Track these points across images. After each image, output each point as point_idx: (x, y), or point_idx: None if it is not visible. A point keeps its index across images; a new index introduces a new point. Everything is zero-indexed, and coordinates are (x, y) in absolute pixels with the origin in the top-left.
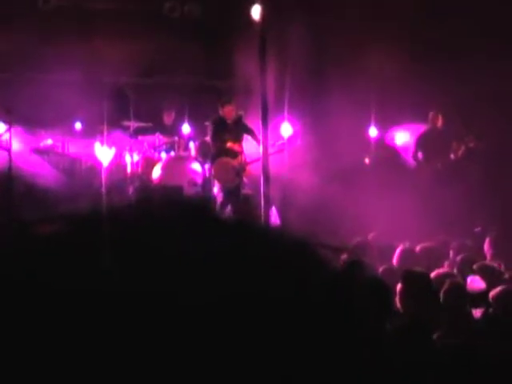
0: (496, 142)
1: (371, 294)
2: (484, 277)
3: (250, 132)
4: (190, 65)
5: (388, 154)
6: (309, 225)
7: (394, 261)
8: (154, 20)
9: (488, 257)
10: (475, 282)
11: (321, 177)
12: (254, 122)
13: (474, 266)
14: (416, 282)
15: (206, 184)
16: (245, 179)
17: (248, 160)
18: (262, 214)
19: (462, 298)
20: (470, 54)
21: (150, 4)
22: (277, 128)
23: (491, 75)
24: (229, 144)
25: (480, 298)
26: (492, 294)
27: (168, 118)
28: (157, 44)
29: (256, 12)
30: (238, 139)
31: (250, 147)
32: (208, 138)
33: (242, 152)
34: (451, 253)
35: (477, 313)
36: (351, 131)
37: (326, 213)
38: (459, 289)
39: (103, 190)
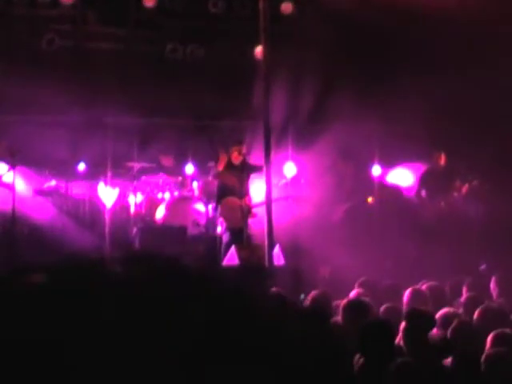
0: (499, 181)
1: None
2: (488, 317)
3: (256, 169)
4: (193, 106)
5: (391, 193)
6: (313, 265)
7: (404, 300)
8: (157, 61)
9: (494, 295)
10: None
11: (324, 217)
12: (257, 161)
13: (480, 308)
14: (420, 320)
15: (210, 224)
16: (250, 220)
17: (254, 202)
18: (266, 254)
19: (469, 337)
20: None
21: (152, 45)
22: (280, 167)
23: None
24: (235, 184)
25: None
26: (491, 336)
27: (166, 161)
28: (159, 85)
29: (259, 52)
30: (244, 180)
31: (256, 189)
32: (212, 178)
33: (247, 193)
34: (464, 289)
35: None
36: (354, 171)
37: (329, 253)
38: (466, 328)
39: (106, 231)
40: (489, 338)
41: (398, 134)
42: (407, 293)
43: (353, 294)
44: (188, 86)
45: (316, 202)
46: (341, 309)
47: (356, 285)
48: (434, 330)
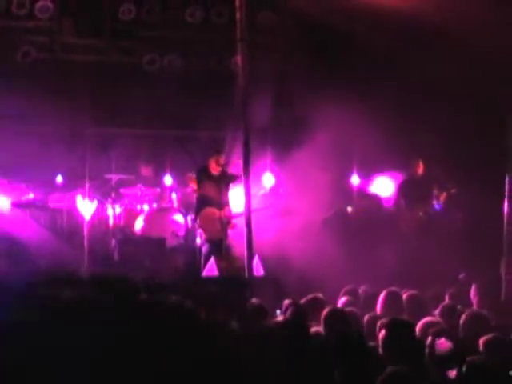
0: (478, 189)
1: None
2: (473, 324)
3: (235, 179)
4: (171, 116)
5: (370, 202)
6: (293, 275)
7: (378, 307)
8: (135, 72)
9: (474, 304)
10: (441, 344)
11: (304, 227)
12: (236, 171)
13: (463, 315)
14: (400, 330)
15: (189, 235)
16: (229, 231)
17: (233, 212)
18: (246, 264)
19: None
20: (447, 100)
21: (130, 56)
22: (259, 178)
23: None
24: (214, 195)
25: (451, 358)
26: (482, 341)
27: (146, 171)
28: (138, 96)
29: (237, 62)
30: (223, 190)
31: (235, 200)
32: (190, 189)
33: (226, 204)
34: (445, 299)
35: (452, 373)
36: (333, 179)
37: (309, 263)
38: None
39: (85, 244)
40: (481, 343)
41: (377, 143)
42: (382, 296)
43: (341, 302)
44: (166, 96)
45: (295, 212)
46: (322, 319)
47: (342, 292)
48: (442, 340)
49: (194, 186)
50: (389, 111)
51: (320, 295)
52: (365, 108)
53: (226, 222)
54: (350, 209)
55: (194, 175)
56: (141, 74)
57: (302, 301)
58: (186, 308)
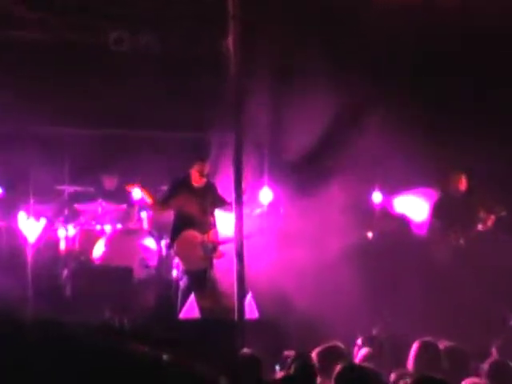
0: None
1: None
2: None
3: (220, 202)
4: (144, 113)
5: (395, 225)
6: (295, 319)
7: (410, 362)
8: (97, 55)
9: None
10: None
11: (309, 257)
12: (225, 186)
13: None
14: None
15: (163, 266)
16: (215, 261)
17: (220, 237)
18: (236, 304)
19: None
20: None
21: (91, 35)
22: (254, 194)
23: None
24: (196, 213)
25: None
26: None
27: (108, 182)
28: (100, 86)
29: (229, 45)
30: (208, 208)
31: (224, 220)
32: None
33: (213, 225)
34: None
35: None
36: (350, 198)
37: (316, 303)
38: None
39: (29, 274)
40: None
41: (405, 151)
42: (414, 348)
43: (360, 355)
44: (138, 86)
45: (299, 239)
46: (333, 378)
47: (360, 342)
48: None
49: (149, 200)
50: (419, 112)
51: (339, 344)
52: (388, 106)
53: (210, 249)
54: (369, 234)
55: (173, 186)
56: (105, 58)
57: (315, 352)
58: (159, 361)
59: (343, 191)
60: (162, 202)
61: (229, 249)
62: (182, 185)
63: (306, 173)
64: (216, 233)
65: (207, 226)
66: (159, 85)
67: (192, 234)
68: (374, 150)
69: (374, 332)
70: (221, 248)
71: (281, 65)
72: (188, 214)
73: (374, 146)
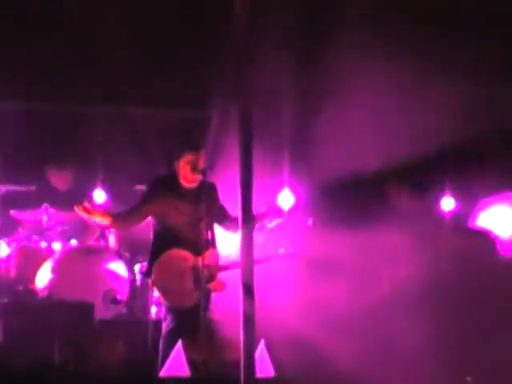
0: None
1: None
2: None
3: (221, 214)
4: (113, 80)
5: (477, 245)
6: (328, 380)
7: None
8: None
9: None
10: None
11: (352, 293)
12: (227, 189)
13: None
14: None
15: (136, 300)
16: (212, 294)
17: (222, 260)
18: (242, 357)
19: None
20: None
21: None
22: (270, 196)
23: None
24: (186, 226)
25: None
26: None
27: (59, 180)
28: (59, 43)
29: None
30: (204, 218)
31: (226, 236)
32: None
33: (210, 244)
34: None
35: None
36: (409, 206)
37: (360, 359)
38: None
39: None
40: None
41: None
42: None
43: None
44: (101, 41)
45: (336, 265)
46: None
47: None
48: None
49: (103, 220)
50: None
51: None
52: (465, 80)
53: (206, 278)
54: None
55: (151, 186)
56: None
57: None
58: None
59: (399, 196)
60: (130, 212)
61: (232, 278)
62: (165, 185)
63: (339, 168)
64: (214, 254)
65: (201, 244)
66: (135, 41)
67: (179, 254)
68: (440, 135)
69: None
70: (220, 276)
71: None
72: (174, 226)
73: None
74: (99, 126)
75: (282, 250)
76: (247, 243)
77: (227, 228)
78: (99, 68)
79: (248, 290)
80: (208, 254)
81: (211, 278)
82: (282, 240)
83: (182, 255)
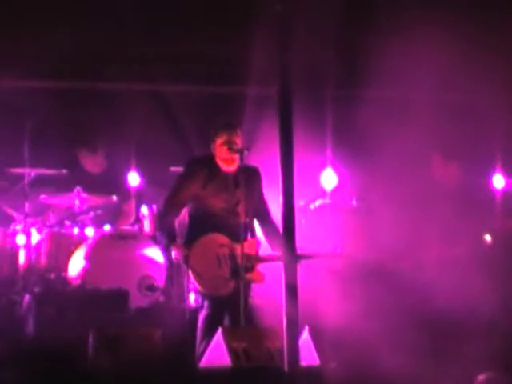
0: None
1: None
2: None
3: (263, 210)
4: (143, 59)
5: None
6: (380, 369)
7: None
8: None
9: None
10: None
11: (403, 275)
12: (266, 171)
13: None
14: None
15: (173, 286)
16: (252, 284)
17: (263, 250)
18: (285, 345)
19: None
20: None
21: None
22: (311, 177)
23: None
24: (224, 212)
25: None
26: None
27: (91, 163)
28: (86, 24)
29: None
30: (243, 203)
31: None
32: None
33: (252, 232)
34: None
35: None
36: (459, 183)
37: (415, 347)
38: None
39: None
40: None
41: None
42: None
43: None
44: (145, 23)
45: (387, 246)
46: None
47: None
48: None
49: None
50: None
51: None
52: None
53: (245, 268)
54: (488, 238)
55: (187, 169)
56: None
57: None
58: None
59: (448, 173)
60: (168, 203)
61: (273, 268)
62: (201, 167)
63: (387, 146)
64: (255, 244)
65: (240, 230)
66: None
67: (216, 240)
68: (491, 112)
69: None
70: (260, 266)
71: None
72: (211, 211)
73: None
74: (133, 105)
75: (328, 248)
76: (289, 240)
77: (267, 235)
78: (135, 45)
79: (291, 290)
80: (248, 242)
81: (250, 268)
82: (325, 221)
83: (219, 241)
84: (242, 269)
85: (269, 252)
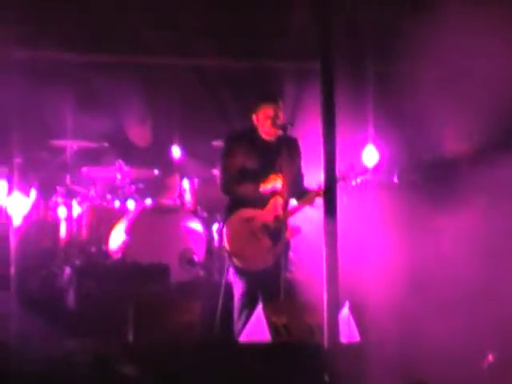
0: None
1: None
2: None
3: (298, 176)
4: (183, 32)
5: None
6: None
7: None
8: None
9: None
10: None
11: (437, 251)
12: (308, 146)
13: None
14: None
15: (214, 261)
16: (291, 254)
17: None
18: (326, 322)
19: None
20: None
21: None
22: (353, 153)
23: None
24: (263, 182)
25: None
26: None
27: (137, 135)
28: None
29: None
30: (283, 174)
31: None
32: (217, 172)
33: (285, 197)
34: None
35: None
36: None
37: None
38: None
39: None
40: None
41: None
42: None
43: None
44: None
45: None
46: None
47: None
48: None
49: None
50: None
51: None
52: None
53: (280, 230)
54: None
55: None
56: None
57: None
58: None
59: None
60: (228, 184)
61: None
62: (242, 141)
63: (434, 122)
64: (277, 203)
65: (278, 199)
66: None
67: (245, 216)
68: None
69: None
70: (294, 225)
71: None
72: (252, 181)
73: None
74: (175, 80)
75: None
76: (330, 214)
77: (301, 201)
78: (176, 21)
79: (331, 265)
80: (270, 205)
81: (284, 228)
82: (367, 199)
83: (248, 216)
84: (277, 232)
85: (293, 205)
